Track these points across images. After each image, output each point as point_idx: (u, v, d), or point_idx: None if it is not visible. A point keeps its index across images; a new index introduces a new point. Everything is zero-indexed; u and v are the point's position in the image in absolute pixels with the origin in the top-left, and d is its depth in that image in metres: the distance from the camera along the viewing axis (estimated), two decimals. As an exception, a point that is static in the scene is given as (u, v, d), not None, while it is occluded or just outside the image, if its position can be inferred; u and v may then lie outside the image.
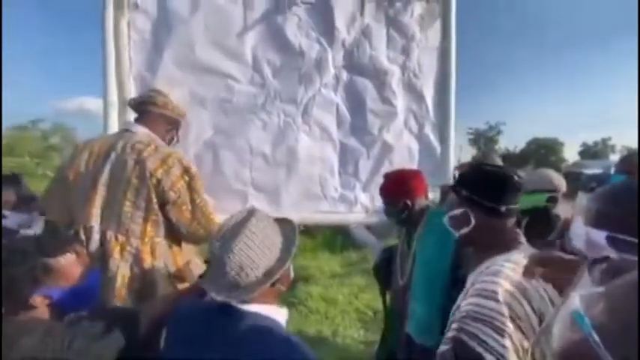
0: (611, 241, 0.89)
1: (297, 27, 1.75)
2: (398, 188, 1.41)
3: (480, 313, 0.74)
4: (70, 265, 0.83)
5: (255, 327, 0.74)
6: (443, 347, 0.78)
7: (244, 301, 0.76)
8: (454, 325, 0.78)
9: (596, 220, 0.89)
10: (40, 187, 1.80)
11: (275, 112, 1.75)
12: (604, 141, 42.50)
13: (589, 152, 41.39)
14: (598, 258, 0.94)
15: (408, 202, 1.38)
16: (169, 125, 1.45)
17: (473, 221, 0.86)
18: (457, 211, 0.89)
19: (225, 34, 1.72)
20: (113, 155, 1.27)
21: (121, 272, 1.21)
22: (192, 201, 1.31)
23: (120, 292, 1.20)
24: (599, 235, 0.94)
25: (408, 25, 1.83)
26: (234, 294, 0.75)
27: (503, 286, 0.75)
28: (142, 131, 1.35)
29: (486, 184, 0.87)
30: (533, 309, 0.75)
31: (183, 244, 1.41)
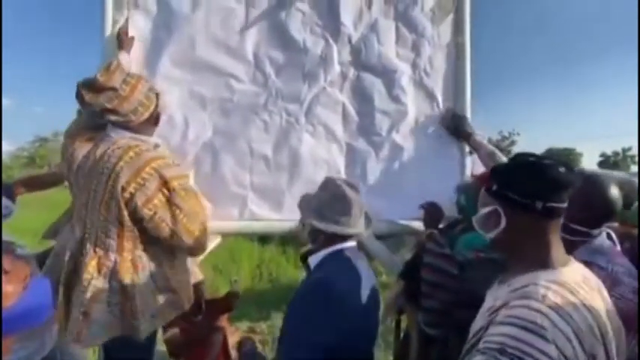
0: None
1: (300, 23, 1.67)
2: None
3: (517, 349, 0.59)
4: None
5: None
6: None
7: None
8: (479, 357, 0.62)
9: None
10: (58, 197, 1.75)
11: (277, 112, 1.66)
12: (624, 151, 41.13)
13: (608, 163, 40.09)
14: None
15: None
16: (155, 118, 1.31)
17: (504, 221, 0.72)
18: (486, 210, 0.75)
19: (226, 31, 1.65)
20: (91, 162, 1.16)
21: (93, 287, 1.10)
22: (173, 217, 1.16)
23: (90, 306, 1.10)
24: None
25: (419, 20, 1.73)
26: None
27: (551, 318, 0.60)
28: (123, 135, 1.20)
29: (519, 175, 0.73)
30: (583, 349, 0.60)
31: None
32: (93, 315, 1.10)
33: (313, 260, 1.07)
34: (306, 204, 1.11)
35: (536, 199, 0.69)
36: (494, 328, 0.64)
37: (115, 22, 1.58)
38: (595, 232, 1.06)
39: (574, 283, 0.66)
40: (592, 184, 1.05)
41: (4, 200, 1.33)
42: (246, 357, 1.14)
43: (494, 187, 0.75)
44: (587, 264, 0.96)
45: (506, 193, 0.72)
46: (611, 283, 0.92)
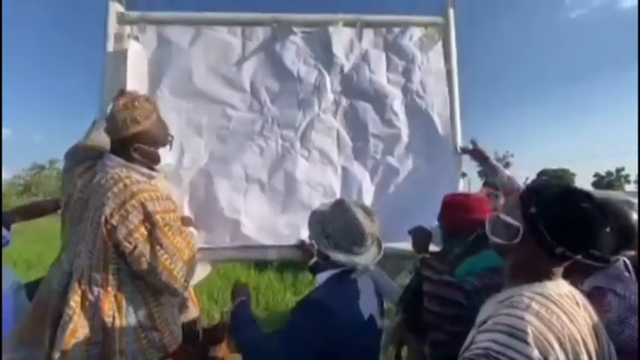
0: None
1: (295, 54, 1.75)
2: (468, 216, 1.27)
3: (501, 353, 0.61)
4: None
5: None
6: None
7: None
8: None
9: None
10: (50, 227, 1.74)
11: (273, 138, 1.70)
12: (617, 171, 41.66)
13: (602, 183, 40.45)
14: None
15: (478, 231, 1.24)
16: (156, 144, 1.27)
17: (518, 239, 0.72)
18: (510, 220, 0.74)
19: (223, 63, 1.72)
20: (87, 193, 1.17)
21: (74, 323, 1.06)
22: (153, 252, 1.13)
23: (67, 343, 1.04)
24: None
25: (408, 49, 1.82)
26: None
27: (533, 324, 0.63)
28: (117, 164, 1.18)
29: (565, 216, 0.69)
30: (567, 356, 0.62)
31: None
32: (70, 353, 1.05)
33: (320, 278, 1.04)
34: (317, 225, 1.05)
35: (559, 244, 0.68)
36: (481, 336, 0.66)
37: (115, 54, 1.64)
38: (613, 258, 1.01)
39: (557, 296, 0.69)
40: (611, 211, 0.99)
41: (2, 230, 1.32)
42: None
43: (532, 209, 0.71)
44: (603, 290, 0.95)
45: (538, 223, 0.69)
46: (630, 311, 0.91)
